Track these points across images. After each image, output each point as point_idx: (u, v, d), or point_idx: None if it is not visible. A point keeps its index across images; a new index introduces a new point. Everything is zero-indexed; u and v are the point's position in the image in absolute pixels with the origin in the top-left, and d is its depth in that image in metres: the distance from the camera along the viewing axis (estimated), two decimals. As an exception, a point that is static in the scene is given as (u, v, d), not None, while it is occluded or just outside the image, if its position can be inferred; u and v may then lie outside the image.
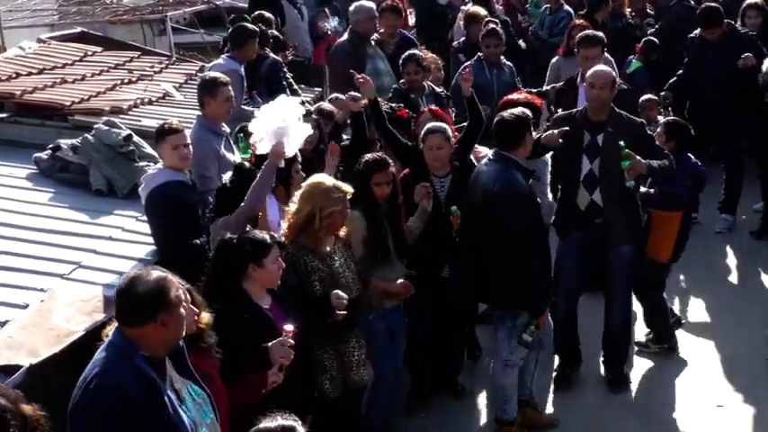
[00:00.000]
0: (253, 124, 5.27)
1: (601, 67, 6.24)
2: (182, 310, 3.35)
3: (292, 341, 4.17)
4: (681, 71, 8.47)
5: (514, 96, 6.54)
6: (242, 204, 4.99)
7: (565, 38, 8.53)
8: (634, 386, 6.33)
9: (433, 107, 6.60)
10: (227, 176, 5.33)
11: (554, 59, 8.44)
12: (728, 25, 8.25)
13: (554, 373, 6.38)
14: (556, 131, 5.90)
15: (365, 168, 5.39)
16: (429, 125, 5.95)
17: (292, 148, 5.21)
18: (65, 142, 6.68)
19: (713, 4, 8.40)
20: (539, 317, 5.46)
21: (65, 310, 5.00)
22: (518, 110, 5.61)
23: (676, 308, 7.20)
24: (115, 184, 6.46)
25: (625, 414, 6.05)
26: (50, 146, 6.70)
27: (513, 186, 5.35)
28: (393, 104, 6.54)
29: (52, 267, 5.36)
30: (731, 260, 8.06)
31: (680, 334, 6.84)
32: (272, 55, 8.32)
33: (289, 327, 4.20)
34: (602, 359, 6.40)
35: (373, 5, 8.75)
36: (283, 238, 4.73)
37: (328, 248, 4.98)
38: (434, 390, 6.19)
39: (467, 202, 5.65)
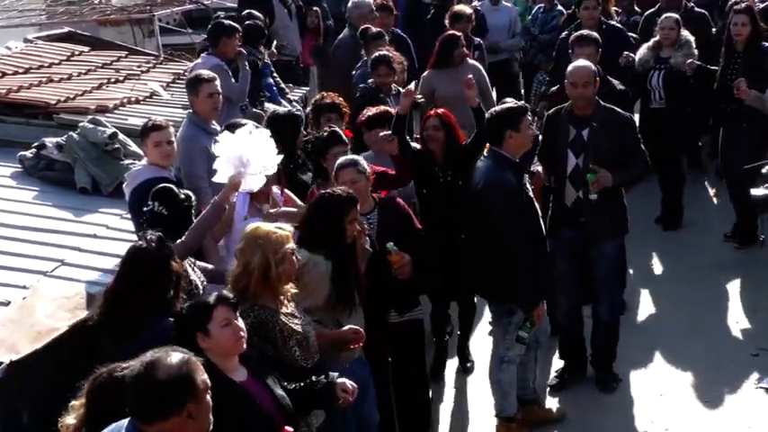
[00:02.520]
0: (215, 150, 4.89)
1: (581, 62, 6.20)
2: (208, 398, 2.87)
3: None
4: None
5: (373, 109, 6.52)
6: (184, 239, 4.61)
7: (436, 48, 8.01)
8: (621, 384, 6.31)
9: (440, 110, 6.28)
10: (155, 204, 4.73)
11: (426, 72, 8.05)
12: (600, 19, 8.53)
13: (552, 375, 6.38)
14: (540, 170, 5.94)
15: (339, 204, 4.74)
16: (340, 159, 5.37)
17: (254, 183, 4.81)
18: (50, 140, 6.67)
19: None
20: (530, 312, 5.45)
21: (47, 306, 4.98)
22: (506, 105, 5.67)
23: (662, 308, 7.20)
24: (100, 182, 6.45)
25: (611, 412, 6.05)
26: (35, 144, 6.70)
27: (497, 182, 5.37)
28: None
29: (35, 265, 5.35)
30: (717, 257, 8.07)
31: (665, 330, 6.86)
32: (266, 56, 8.33)
33: (289, 429, 3.70)
34: (589, 358, 6.41)
35: (370, 0, 8.83)
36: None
37: (287, 308, 4.26)
38: None
39: (466, 198, 5.64)
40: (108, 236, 5.88)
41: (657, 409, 6.03)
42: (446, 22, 8.88)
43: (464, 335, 6.67)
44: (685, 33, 8.32)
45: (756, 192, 4.10)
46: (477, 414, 6.16)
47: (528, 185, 5.57)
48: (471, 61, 8.16)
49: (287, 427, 3.64)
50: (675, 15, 8.42)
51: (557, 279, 6.02)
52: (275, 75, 8.72)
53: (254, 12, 9.05)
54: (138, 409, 2.80)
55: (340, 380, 4.04)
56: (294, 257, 4.24)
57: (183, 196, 4.77)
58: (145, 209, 4.76)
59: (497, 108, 5.65)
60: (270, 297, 4.19)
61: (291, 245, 4.24)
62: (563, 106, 6.17)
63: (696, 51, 8.21)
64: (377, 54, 7.31)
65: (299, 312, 4.33)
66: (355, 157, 5.49)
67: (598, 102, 6.01)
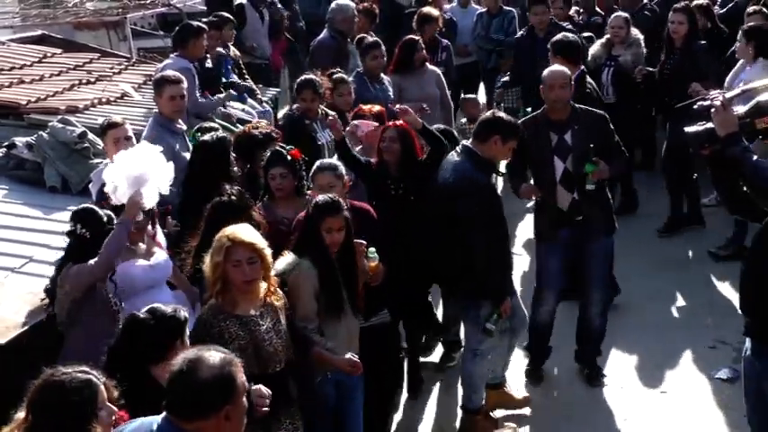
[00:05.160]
0: (107, 172, 4.82)
1: (557, 67, 6.29)
2: (244, 400, 2.93)
3: None
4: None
5: (365, 107, 6.84)
6: (97, 260, 4.47)
7: (396, 52, 8.03)
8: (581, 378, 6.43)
9: (398, 122, 5.97)
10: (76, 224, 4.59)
11: (389, 76, 7.96)
12: (551, 20, 8.76)
13: (526, 368, 6.48)
14: (531, 186, 6.03)
15: (316, 211, 4.74)
16: (318, 162, 5.45)
17: (151, 198, 4.78)
18: (19, 140, 6.73)
19: None
20: (499, 305, 5.54)
21: (14, 302, 5.07)
22: (513, 119, 5.74)
23: (621, 302, 7.31)
24: (69, 181, 6.52)
25: (571, 404, 6.18)
26: (5, 144, 6.76)
27: (470, 179, 5.44)
28: (286, 146, 5.73)
29: (3, 261, 5.42)
30: (675, 252, 8.23)
31: (624, 323, 6.99)
32: (232, 52, 8.41)
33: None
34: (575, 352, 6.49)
35: (353, 5, 8.92)
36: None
37: (252, 312, 4.26)
38: None
39: (432, 193, 5.65)
40: (77, 233, 5.93)
41: (617, 401, 6.16)
42: (413, 24, 8.98)
43: (413, 353, 6.35)
44: (635, 32, 8.60)
45: (689, 129, 4.18)
46: (443, 407, 6.25)
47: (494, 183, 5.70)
48: (431, 67, 8.19)
49: None
50: (625, 14, 8.72)
51: (544, 278, 6.15)
52: (246, 76, 8.83)
53: (223, 14, 9.17)
54: (176, 406, 2.83)
55: (255, 387, 3.99)
56: (236, 267, 4.18)
57: (105, 218, 4.62)
58: (68, 230, 4.60)
59: (505, 115, 5.75)
60: (228, 299, 4.23)
61: (245, 253, 4.18)
62: (535, 114, 6.23)
63: (644, 50, 8.51)
64: (302, 78, 6.97)
65: (272, 321, 4.29)
66: (334, 161, 5.54)
67: (572, 104, 6.11)
